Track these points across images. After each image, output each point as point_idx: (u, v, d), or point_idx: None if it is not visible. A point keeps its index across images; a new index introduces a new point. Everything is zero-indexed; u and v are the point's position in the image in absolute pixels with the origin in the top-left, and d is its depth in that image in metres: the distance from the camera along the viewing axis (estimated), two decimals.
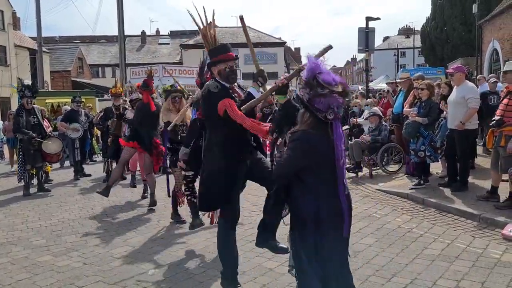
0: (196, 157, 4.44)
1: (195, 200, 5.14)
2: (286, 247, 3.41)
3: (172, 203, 5.91)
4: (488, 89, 9.07)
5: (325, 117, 2.54)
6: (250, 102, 3.26)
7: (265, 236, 3.29)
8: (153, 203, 6.69)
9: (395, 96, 9.07)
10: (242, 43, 40.69)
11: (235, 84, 3.71)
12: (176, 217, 5.85)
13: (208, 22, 3.73)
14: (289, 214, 2.85)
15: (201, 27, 3.71)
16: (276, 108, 10.57)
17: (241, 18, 3.47)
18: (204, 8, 3.74)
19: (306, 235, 2.65)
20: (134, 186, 8.04)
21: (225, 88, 3.52)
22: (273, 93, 3.22)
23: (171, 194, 5.95)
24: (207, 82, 3.69)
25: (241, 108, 3.26)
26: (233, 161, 3.47)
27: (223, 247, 3.64)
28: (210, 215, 4.88)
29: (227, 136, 3.44)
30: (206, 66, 4.93)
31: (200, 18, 3.76)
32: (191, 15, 3.81)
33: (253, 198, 6.79)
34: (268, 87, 3.38)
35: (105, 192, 6.63)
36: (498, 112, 5.80)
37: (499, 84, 9.00)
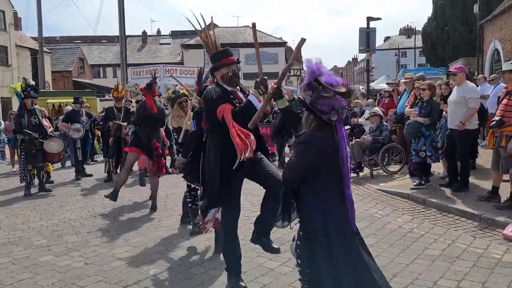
0: (197, 170, 4.59)
1: (196, 207, 5.06)
2: (277, 248, 3.60)
3: (183, 206, 5.82)
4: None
5: (328, 118, 2.54)
6: (253, 117, 3.25)
7: (259, 232, 3.56)
8: (154, 207, 6.68)
9: (399, 96, 9.06)
10: (243, 43, 41.07)
11: (237, 88, 3.76)
12: (187, 219, 5.76)
13: (207, 27, 3.77)
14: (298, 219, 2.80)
15: (202, 33, 3.75)
16: (276, 109, 10.62)
17: (253, 25, 3.54)
18: (201, 14, 3.81)
19: (315, 246, 2.62)
20: (143, 185, 7.99)
21: (226, 92, 3.58)
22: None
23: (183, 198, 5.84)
24: (208, 87, 3.79)
25: (249, 125, 3.27)
26: (229, 163, 3.47)
27: (225, 246, 3.77)
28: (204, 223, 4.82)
29: (225, 139, 3.44)
30: (209, 72, 4.94)
31: (199, 24, 3.81)
32: (190, 22, 3.87)
33: (253, 198, 6.78)
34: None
35: (113, 196, 6.58)
36: (498, 112, 5.80)
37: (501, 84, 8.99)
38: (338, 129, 2.57)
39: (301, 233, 2.72)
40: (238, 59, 3.76)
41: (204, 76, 5.03)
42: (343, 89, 2.55)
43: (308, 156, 2.57)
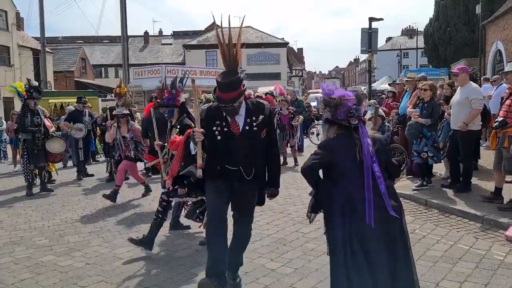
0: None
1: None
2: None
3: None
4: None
5: (349, 122, 3.00)
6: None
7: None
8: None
9: (401, 97, 9.02)
10: (245, 44, 40.97)
11: (249, 105, 3.55)
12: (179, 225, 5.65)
13: (232, 39, 3.40)
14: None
15: (222, 43, 3.39)
16: (279, 109, 10.59)
17: (193, 82, 3.76)
18: (229, 19, 3.47)
19: (335, 227, 2.95)
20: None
21: (217, 113, 3.49)
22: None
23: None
24: (205, 105, 3.90)
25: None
26: (210, 171, 3.55)
27: (207, 240, 3.64)
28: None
29: (209, 150, 3.59)
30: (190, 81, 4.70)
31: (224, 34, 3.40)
32: (216, 26, 3.53)
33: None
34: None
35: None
36: (501, 113, 5.78)
37: (504, 85, 8.97)
38: (360, 129, 3.00)
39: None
40: (235, 98, 3.35)
41: (178, 81, 4.84)
42: (352, 97, 3.06)
43: (318, 155, 3.04)
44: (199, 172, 3.47)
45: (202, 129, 3.44)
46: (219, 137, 3.47)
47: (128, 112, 7.76)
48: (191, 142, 3.61)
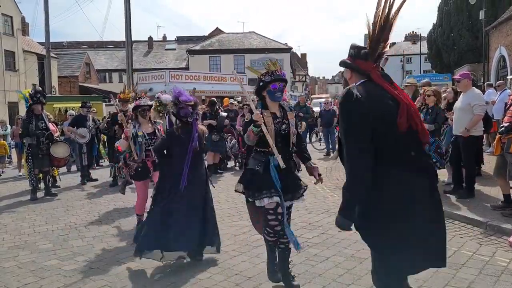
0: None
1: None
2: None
3: None
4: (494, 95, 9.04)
5: (187, 120, 4.55)
6: None
7: None
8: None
9: None
10: (249, 49, 41.13)
11: None
12: None
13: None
14: None
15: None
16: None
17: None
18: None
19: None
20: None
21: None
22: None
23: None
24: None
25: None
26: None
27: None
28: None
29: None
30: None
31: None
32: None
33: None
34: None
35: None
36: (506, 119, 5.77)
37: (507, 90, 8.97)
38: (193, 126, 4.55)
39: None
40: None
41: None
42: (191, 103, 4.53)
43: (164, 140, 4.87)
44: None
45: None
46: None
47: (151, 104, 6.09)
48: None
